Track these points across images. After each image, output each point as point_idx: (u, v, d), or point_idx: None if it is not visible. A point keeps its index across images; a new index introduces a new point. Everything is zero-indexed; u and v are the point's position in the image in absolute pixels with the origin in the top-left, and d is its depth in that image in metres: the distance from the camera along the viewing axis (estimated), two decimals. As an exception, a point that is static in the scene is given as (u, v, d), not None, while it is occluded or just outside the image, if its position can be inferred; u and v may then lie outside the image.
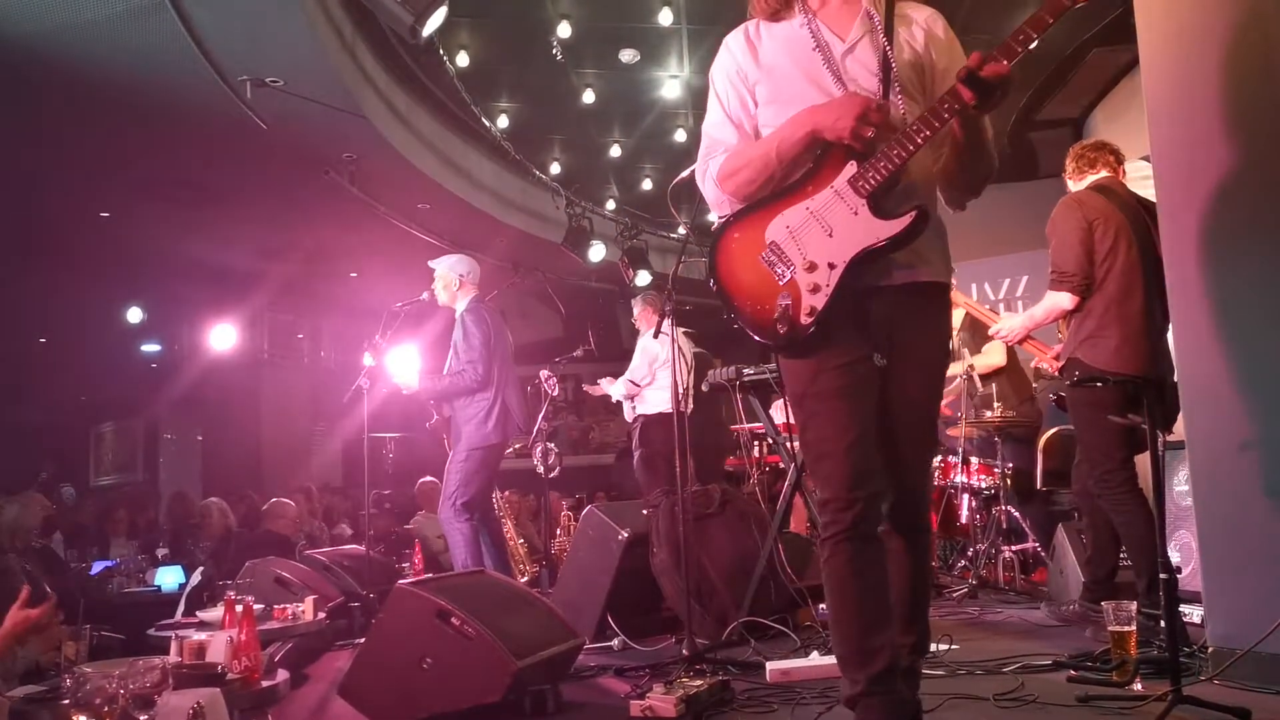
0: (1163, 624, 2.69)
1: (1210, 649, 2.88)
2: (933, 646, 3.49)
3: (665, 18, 6.49)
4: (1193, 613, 3.42)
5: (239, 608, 3.11)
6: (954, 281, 2.35)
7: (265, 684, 3.11)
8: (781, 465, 5.12)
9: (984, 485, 5.61)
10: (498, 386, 5.00)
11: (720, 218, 2.30)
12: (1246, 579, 2.84)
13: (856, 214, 2.05)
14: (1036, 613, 4.33)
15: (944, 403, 6.38)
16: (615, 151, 8.92)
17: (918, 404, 2.18)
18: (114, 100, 5.91)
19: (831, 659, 3.29)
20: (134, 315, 10.57)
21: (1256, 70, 2.93)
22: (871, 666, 2.04)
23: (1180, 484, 4.01)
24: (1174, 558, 3.85)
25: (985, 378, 5.54)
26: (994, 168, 2.16)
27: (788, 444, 4.43)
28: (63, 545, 7.19)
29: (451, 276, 5.19)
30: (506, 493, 7.37)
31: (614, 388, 6.87)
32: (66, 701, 1.92)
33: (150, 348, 12.34)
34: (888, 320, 2.13)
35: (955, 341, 5.42)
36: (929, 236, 2.10)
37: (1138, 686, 2.74)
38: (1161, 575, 2.58)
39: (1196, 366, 3.03)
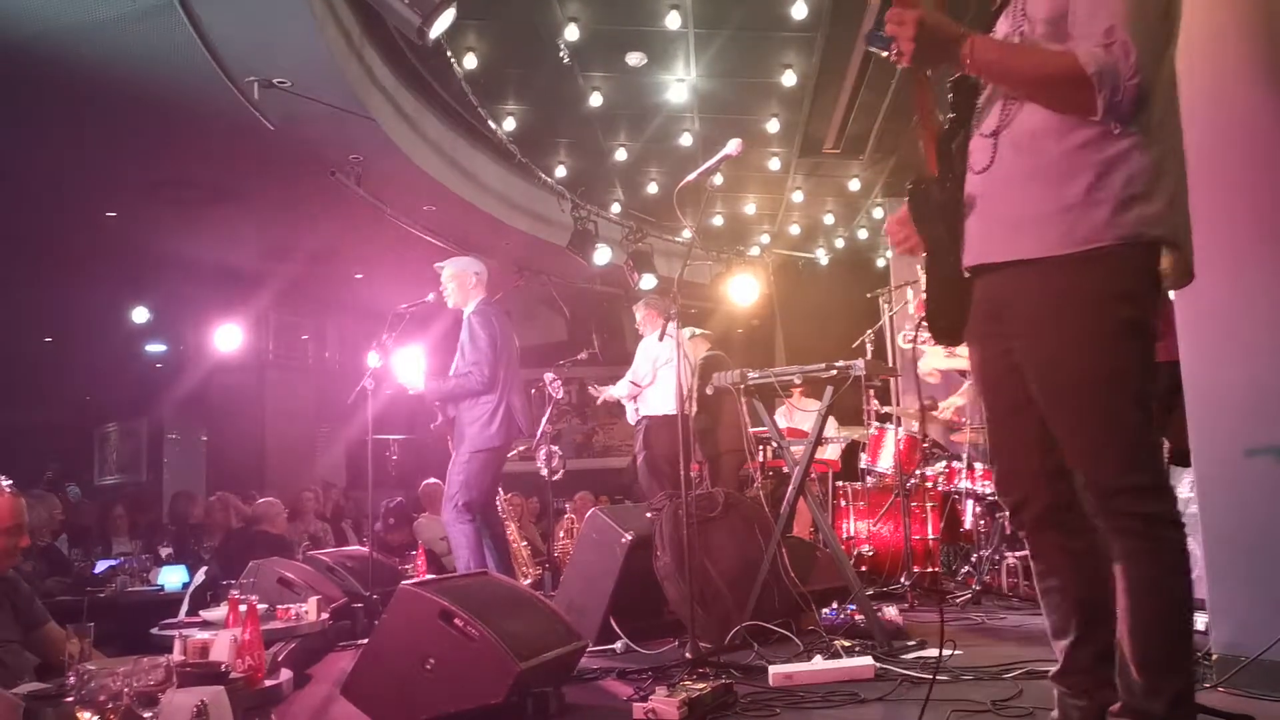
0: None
1: (1215, 656, 2.88)
2: (935, 652, 3.51)
3: (673, 21, 6.50)
4: (1197, 620, 3.40)
5: (243, 607, 3.11)
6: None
7: (269, 683, 3.11)
8: (786, 469, 5.11)
9: (988, 491, 5.60)
10: (503, 389, 5.00)
11: None
12: (1251, 587, 2.83)
13: None
14: (1040, 619, 4.32)
15: (951, 410, 6.40)
16: (621, 155, 8.92)
17: (1043, 404, 1.96)
18: (121, 100, 5.93)
19: (834, 663, 3.31)
20: (139, 315, 10.60)
21: (1268, 75, 2.93)
22: (1056, 663, 2.09)
23: (1185, 491, 4.00)
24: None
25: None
26: (1052, 97, 1.88)
27: (791, 448, 4.43)
28: (66, 544, 7.21)
29: (467, 275, 5.20)
30: (509, 495, 7.38)
31: (617, 388, 6.88)
32: (72, 699, 1.93)
33: (155, 348, 12.37)
34: (993, 306, 2.01)
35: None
36: (1002, 202, 1.95)
37: (1142, 693, 2.73)
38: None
39: (1202, 374, 3.02)
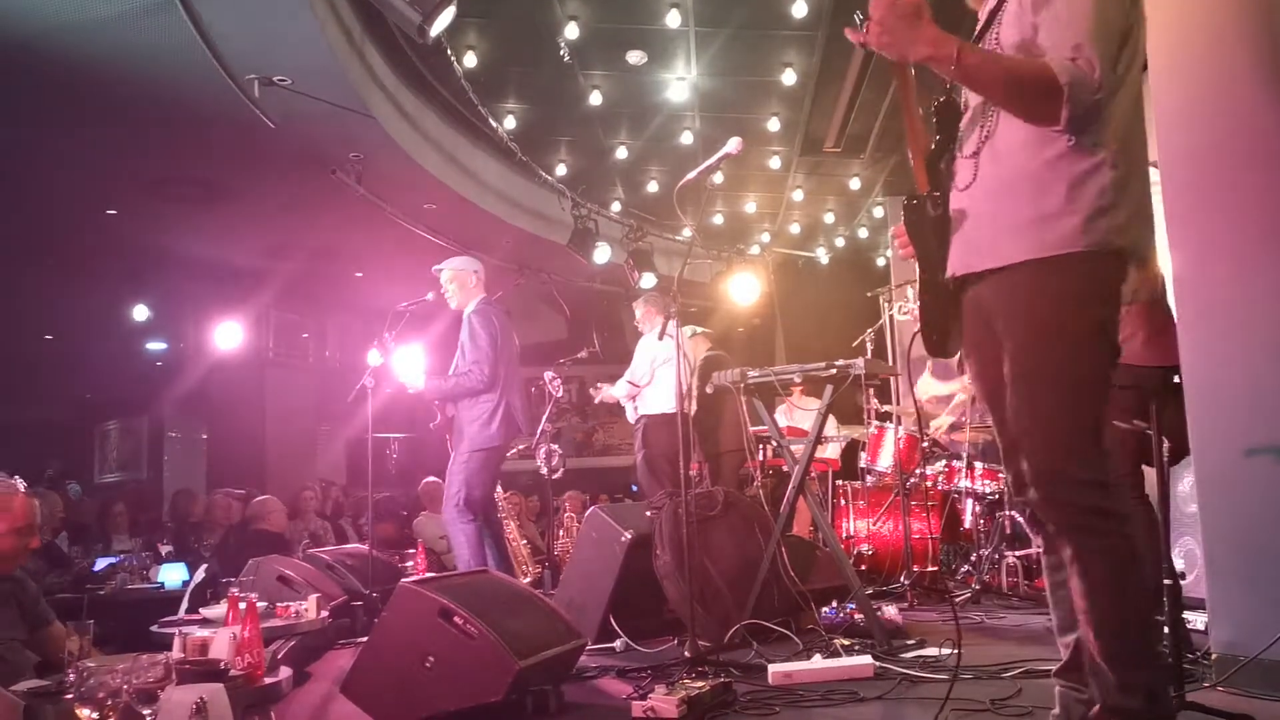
0: (1166, 630, 2.68)
1: (1214, 656, 2.88)
2: (934, 651, 3.52)
3: (673, 20, 6.50)
4: (1196, 619, 3.41)
5: (242, 605, 3.11)
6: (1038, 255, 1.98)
7: (268, 681, 3.12)
8: (786, 468, 5.11)
9: (988, 490, 5.60)
10: (502, 388, 5.00)
11: None
12: (1251, 586, 2.83)
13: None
14: (1039, 618, 4.32)
15: (948, 408, 6.40)
16: (622, 153, 8.92)
17: (1009, 393, 2.03)
18: (122, 98, 5.92)
19: (834, 662, 3.32)
20: (140, 313, 10.59)
21: (1267, 75, 2.93)
22: (1060, 660, 2.12)
23: (1185, 490, 4.00)
24: (1178, 564, 3.84)
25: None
26: (1024, 104, 1.95)
27: (791, 447, 4.43)
28: (67, 542, 7.20)
29: (467, 274, 5.21)
30: (509, 494, 7.38)
31: (616, 389, 6.88)
32: (71, 696, 1.93)
33: (156, 346, 12.36)
34: (983, 316, 2.10)
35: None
36: (984, 215, 2.04)
37: (1141, 693, 2.72)
38: (1165, 581, 2.57)
39: (1203, 373, 3.02)
